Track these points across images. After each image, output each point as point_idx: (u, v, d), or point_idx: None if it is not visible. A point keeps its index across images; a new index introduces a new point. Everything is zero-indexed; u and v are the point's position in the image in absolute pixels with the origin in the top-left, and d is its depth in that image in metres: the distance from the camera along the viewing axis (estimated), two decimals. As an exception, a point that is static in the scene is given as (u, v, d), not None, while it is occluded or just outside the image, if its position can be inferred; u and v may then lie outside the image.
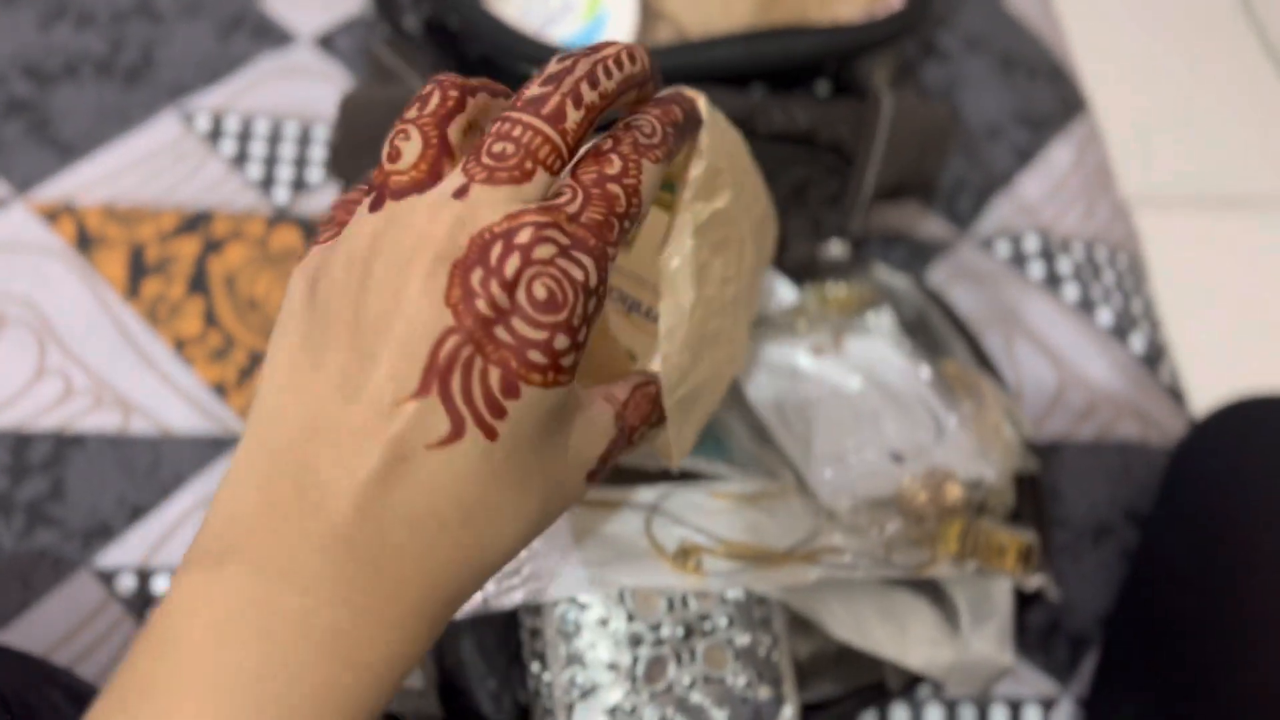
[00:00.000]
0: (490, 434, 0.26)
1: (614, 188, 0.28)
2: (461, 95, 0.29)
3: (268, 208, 0.62)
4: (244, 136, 0.65)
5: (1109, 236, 0.68)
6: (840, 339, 0.51)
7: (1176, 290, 0.82)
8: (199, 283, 0.59)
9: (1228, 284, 1.12)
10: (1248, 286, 1.13)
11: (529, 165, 0.27)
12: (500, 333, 0.26)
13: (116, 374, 0.56)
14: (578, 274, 0.27)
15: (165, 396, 0.56)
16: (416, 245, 0.26)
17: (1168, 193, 1.19)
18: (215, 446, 0.55)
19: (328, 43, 0.69)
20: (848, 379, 0.50)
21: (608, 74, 0.29)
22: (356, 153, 0.56)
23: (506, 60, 0.56)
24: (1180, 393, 0.64)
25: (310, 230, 0.62)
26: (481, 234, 0.26)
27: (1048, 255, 0.66)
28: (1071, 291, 0.65)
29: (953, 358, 0.53)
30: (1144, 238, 0.72)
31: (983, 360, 0.52)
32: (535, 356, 0.26)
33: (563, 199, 0.28)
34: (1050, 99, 0.74)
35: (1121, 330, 0.64)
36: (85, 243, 0.60)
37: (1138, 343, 0.64)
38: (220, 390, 0.56)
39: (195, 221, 0.61)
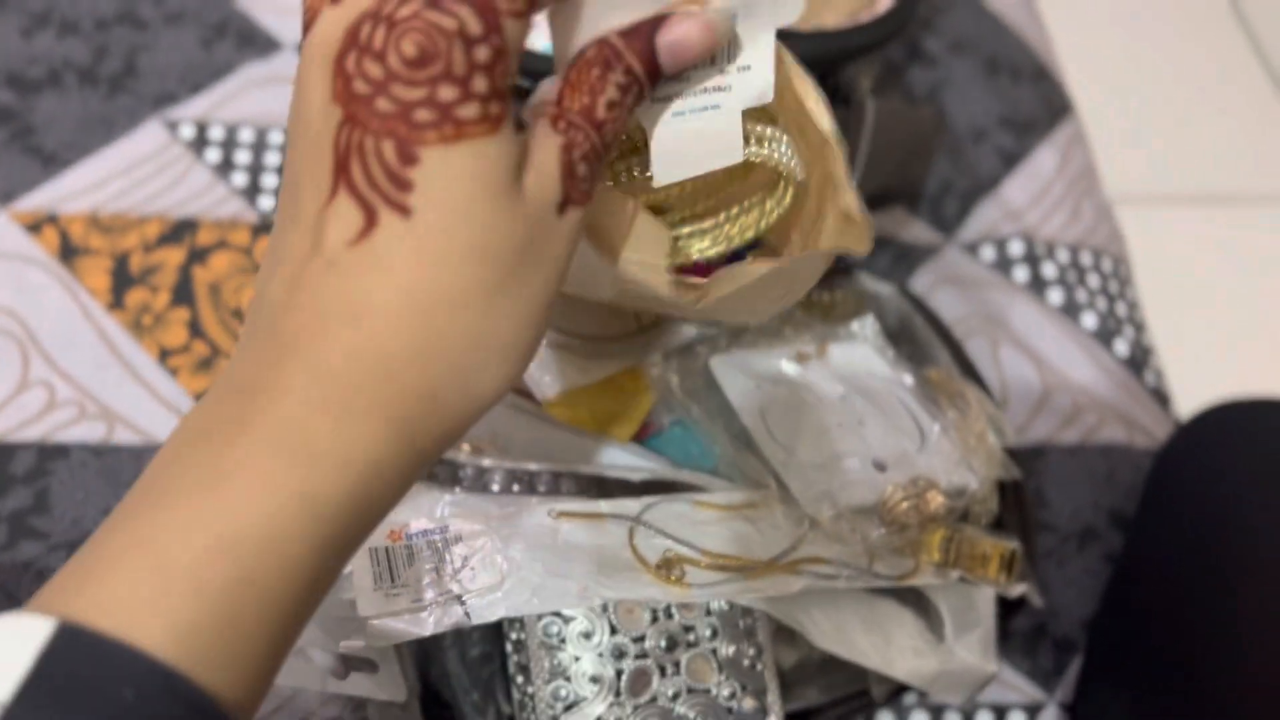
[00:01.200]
0: (403, 210, 0.25)
1: None
2: None
3: (253, 215, 0.62)
4: (228, 144, 0.65)
5: (1094, 240, 0.69)
6: (825, 346, 0.51)
7: (1163, 288, 0.82)
8: (183, 292, 0.59)
9: (1215, 280, 1.13)
10: (1235, 283, 1.14)
11: None
12: (381, 104, 0.25)
13: (100, 385, 0.56)
14: (449, 23, 0.25)
15: (149, 407, 0.56)
16: (313, 58, 0.26)
17: (1154, 190, 1.19)
18: (200, 457, 0.55)
19: (312, 50, 0.69)
20: (831, 386, 0.50)
21: None
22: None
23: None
24: (1166, 395, 0.64)
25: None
26: (356, 19, 0.25)
27: (1032, 259, 0.66)
28: (1056, 295, 0.65)
29: (937, 365, 0.53)
30: (1130, 235, 0.72)
31: (967, 367, 0.52)
32: (422, 116, 0.25)
33: None
34: (1035, 102, 0.74)
35: (1106, 334, 0.64)
36: (68, 253, 0.60)
37: (1122, 346, 0.64)
38: (205, 400, 0.56)
39: (180, 230, 0.61)
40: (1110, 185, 0.79)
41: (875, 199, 0.56)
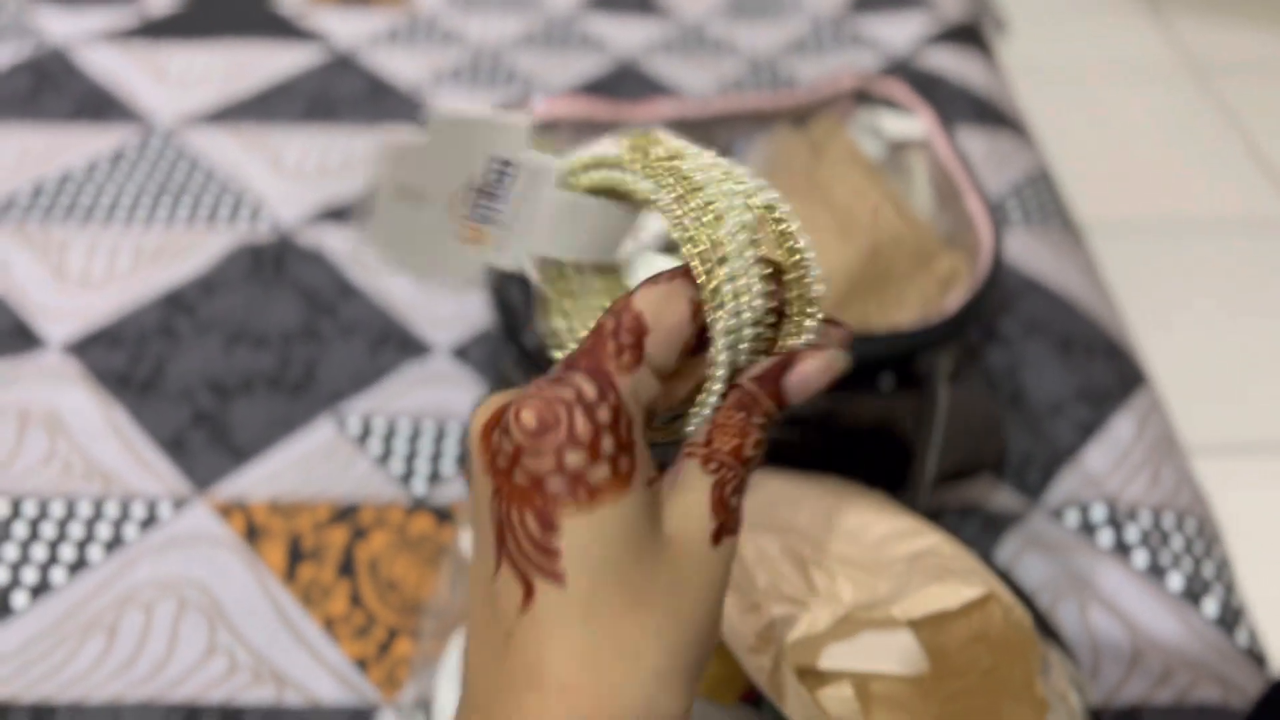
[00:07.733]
0: (556, 578, 0.26)
1: (606, 319, 0.28)
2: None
3: (407, 498, 0.72)
4: (388, 436, 0.75)
5: (1175, 502, 0.73)
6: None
7: (1257, 540, 0.84)
8: (347, 567, 0.68)
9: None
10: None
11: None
12: (518, 476, 0.26)
13: (274, 651, 0.64)
14: (566, 393, 0.26)
15: (314, 671, 0.64)
16: (474, 433, 0.29)
17: (1238, 440, 1.20)
18: (355, 717, 0.62)
19: (462, 353, 0.80)
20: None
21: None
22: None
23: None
24: (1261, 654, 0.66)
25: (444, 517, 0.71)
26: (506, 399, 0.28)
27: (1115, 524, 0.70)
28: (1141, 558, 0.69)
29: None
30: (1222, 487, 0.75)
31: (1047, 630, 0.57)
32: (555, 484, 0.26)
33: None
34: (1109, 375, 0.80)
35: (1194, 594, 0.67)
36: (252, 534, 0.70)
37: (1211, 606, 0.67)
38: (362, 665, 0.64)
39: (345, 513, 0.71)
40: (1194, 436, 0.83)
41: (952, 476, 0.62)
